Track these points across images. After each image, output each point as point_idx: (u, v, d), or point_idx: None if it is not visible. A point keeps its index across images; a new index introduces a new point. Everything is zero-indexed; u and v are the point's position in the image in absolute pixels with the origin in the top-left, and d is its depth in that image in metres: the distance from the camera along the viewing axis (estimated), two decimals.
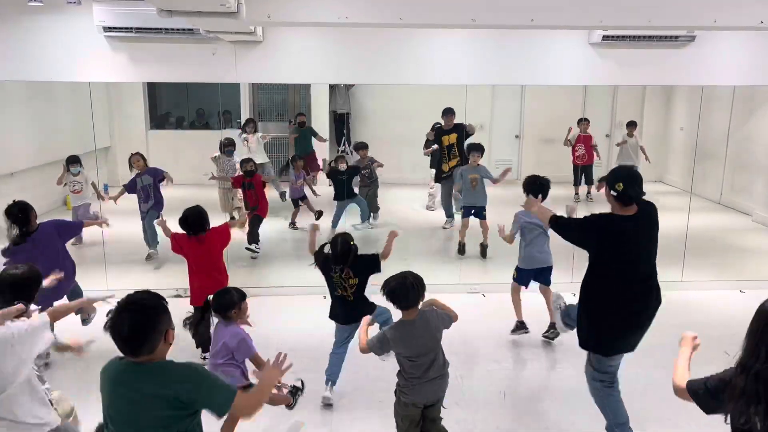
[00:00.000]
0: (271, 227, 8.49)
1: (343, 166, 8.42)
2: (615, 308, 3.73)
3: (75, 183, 7.72)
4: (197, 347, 4.94)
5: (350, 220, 8.69)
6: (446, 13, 4.59)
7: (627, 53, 6.26)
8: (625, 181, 3.62)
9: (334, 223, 8.44)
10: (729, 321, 6.08)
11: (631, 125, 10.59)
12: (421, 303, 3.48)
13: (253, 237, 7.75)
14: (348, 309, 4.50)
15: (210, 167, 8.59)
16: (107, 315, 2.29)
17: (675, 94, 11.73)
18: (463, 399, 4.50)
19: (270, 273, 7.54)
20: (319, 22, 4.77)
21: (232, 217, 8.63)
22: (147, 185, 7.48)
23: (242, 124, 9.64)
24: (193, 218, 4.87)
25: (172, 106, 12.30)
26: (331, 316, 4.67)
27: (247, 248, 7.69)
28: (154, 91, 10.96)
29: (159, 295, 2.41)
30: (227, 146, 8.50)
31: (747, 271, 7.49)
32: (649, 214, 3.78)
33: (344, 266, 4.39)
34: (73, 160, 7.64)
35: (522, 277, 5.64)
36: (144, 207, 7.52)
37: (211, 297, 4.26)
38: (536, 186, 5.24)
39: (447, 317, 3.54)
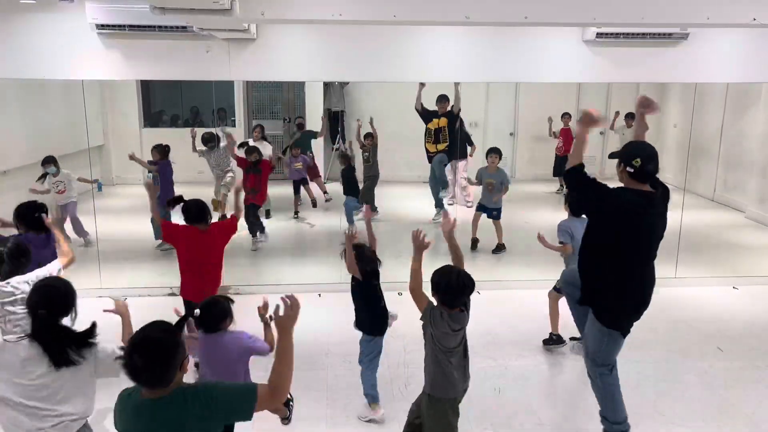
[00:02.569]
0: (269, 224, 8.47)
1: (343, 165, 8.43)
2: (626, 287, 3.64)
3: (57, 183, 7.66)
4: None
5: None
6: (440, 11, 4.59)
7: (621, 51, 6.28)
8: (643, 157, 3.39)
9: (350, 221, 8.35)
10: (722, 317, 6.12)
11: (629, 117, 10.65)
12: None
13: (254, 227, 7.83)
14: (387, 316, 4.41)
15: (202, 165, 8.55)
16: (120, 349, 2.30)
17: (668, 92, 11.76)
18: None
19: (266, 270, 7.53)
20: (313, 19, 4.76)
21: (217, 200, 8.55)
22: (154, 177, 7.68)
23: (252, 128, 9.61)
24: (195, 209, 4.74)
25: (166, 104, 12.27)
26: (377, 331, 4.35)
27: (255, 241, 7.79)
28: (147, 89, 10.92)
29: (171, 328, 2.35)
30: (209, 142, 8.38)
31: (740, 268, 7.53)
32: (662, 199, 3.60)
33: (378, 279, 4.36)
34: (46, 161, 7.55)
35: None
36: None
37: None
38: None
39: None
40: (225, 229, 4.81)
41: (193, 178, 8.88)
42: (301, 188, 9.43)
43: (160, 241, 7.65)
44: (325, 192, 9.61)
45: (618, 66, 6.33)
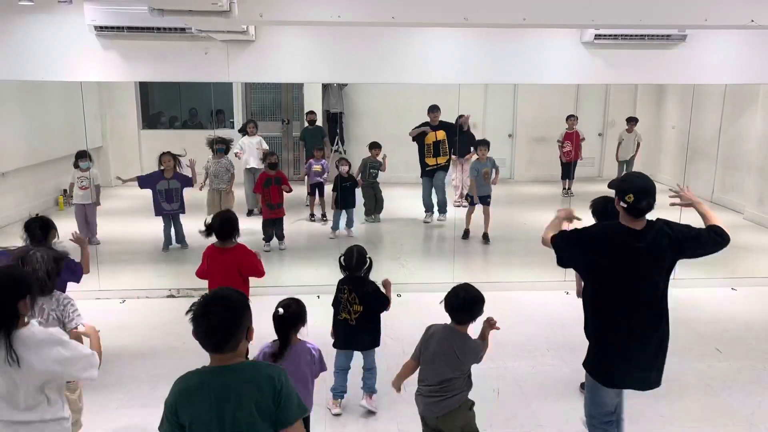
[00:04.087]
0: (252, 222, 8.44)
1: (345, 169, 8.32)
2: (611, 331, 3.48)
3: (83, 179, 7.61)
4: None
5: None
6: (438, 12, 4.60)
7: (619, 52, 6.28)
8: (636, 192, 3.31)
9: (335, 227, 8.44)
10: (721, 318, 6.13)
11: (631, 121, 10.71)
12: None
13: (279, 237, 7.95)
14: (348, 333, 4.37)
15: (201, 167, 8.52)
16: (191, 306, 2.28)
17: (667, 93, 11.80)
18: None
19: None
20: (311, 21, 4.76)
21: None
22: (174, 189, 7.55)
23: (243, 124, 9.44)
24: (221, 223, 4.55)
25: (164, 106, 12.28)
26: (334, 344, 4.45)
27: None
28: (146, 90, 10.93)
29: (241, 292, 2.44)
30: (218, 143, 8.16)
31: (739, 269, 7.53)
32: (659, 244, 3.41)
33: (353, 288, 4.29)
34: (82, 155, 7.56)
35: None
36: (168, 206, 7.59)
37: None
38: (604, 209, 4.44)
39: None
40: (249, 266, 4.61)
41: None
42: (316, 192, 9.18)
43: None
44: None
45: (616, 67, 6.34)
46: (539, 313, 6.10)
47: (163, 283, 6.73)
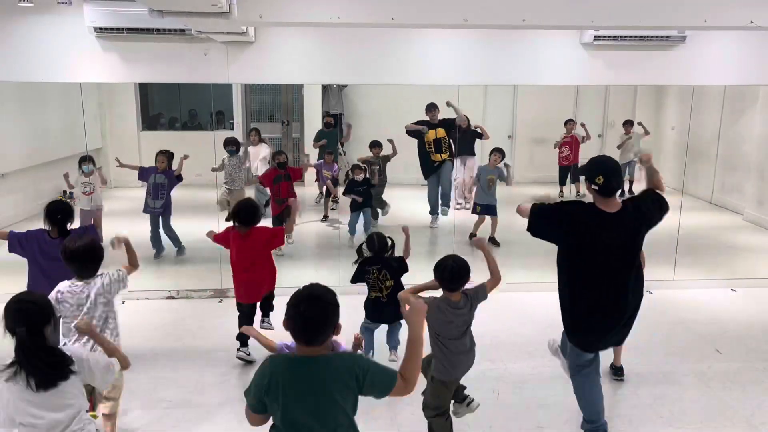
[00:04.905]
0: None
1: (360, 177, 8.25)
2: (580, 307, 3.80)
3: (86, 184, 7.53)
4: (237, 340, 5.05)
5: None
6: (438, 13, 4.60)
7: (618, 53, 6.28)
8: (605, 173, 3.54)
9: (352, 231, 8.29)
10: (720, 319, 6.13)
11: (626, 124, 10.70)
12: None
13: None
14: (381, 309, 4.87)
15: (200, 168, 8.52)
16: (287, 304, 2.44)
17: (666, 94, 11.80)
18: None
19: None
20: (311, 22, 4.76)
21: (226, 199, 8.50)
22: (160, 183, 7.52)
23: (248, 132, 9.47)
24: (245, 211, 4.89)
25: (164, 107, 12.27)
26: (368, 317, 4.96)
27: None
28: (146, 91, 10.93)
29: (333, 291, 2.55)
30: (228, 145, 8.25)
31: (738, 270, 7.53)
32: (634, 217, 3.64)
33: (382, 267, 4.80)
34: (85, 159, 7.51)
35: None
36: (152, 203, 7.59)
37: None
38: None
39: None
40: (271, 238, 5.00)
41: (192, 181, 8.86)
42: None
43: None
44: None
45: (616, 69, 6.34)
46: (539, 314, 6.09)
47: (163, 285, 6.73)
